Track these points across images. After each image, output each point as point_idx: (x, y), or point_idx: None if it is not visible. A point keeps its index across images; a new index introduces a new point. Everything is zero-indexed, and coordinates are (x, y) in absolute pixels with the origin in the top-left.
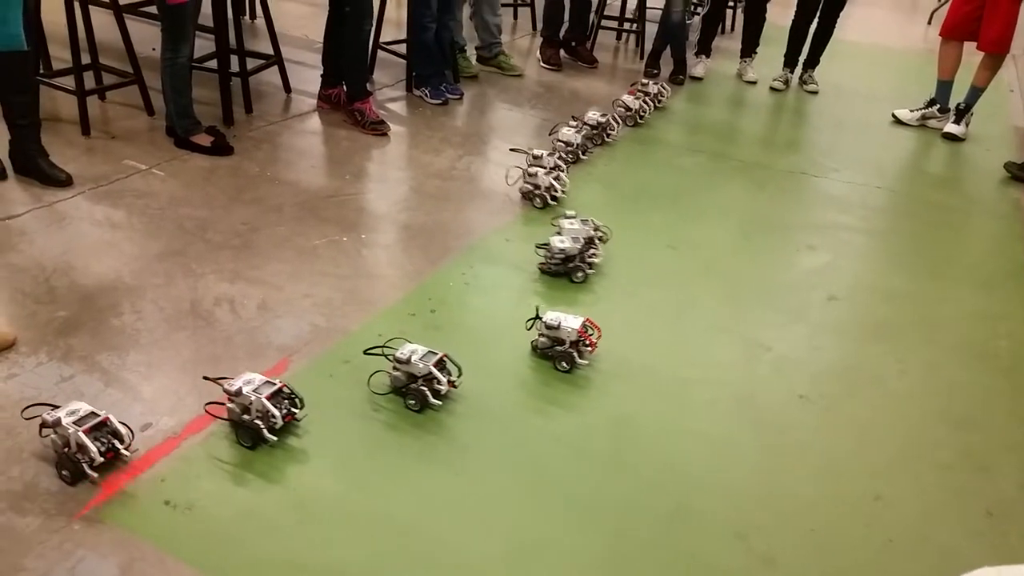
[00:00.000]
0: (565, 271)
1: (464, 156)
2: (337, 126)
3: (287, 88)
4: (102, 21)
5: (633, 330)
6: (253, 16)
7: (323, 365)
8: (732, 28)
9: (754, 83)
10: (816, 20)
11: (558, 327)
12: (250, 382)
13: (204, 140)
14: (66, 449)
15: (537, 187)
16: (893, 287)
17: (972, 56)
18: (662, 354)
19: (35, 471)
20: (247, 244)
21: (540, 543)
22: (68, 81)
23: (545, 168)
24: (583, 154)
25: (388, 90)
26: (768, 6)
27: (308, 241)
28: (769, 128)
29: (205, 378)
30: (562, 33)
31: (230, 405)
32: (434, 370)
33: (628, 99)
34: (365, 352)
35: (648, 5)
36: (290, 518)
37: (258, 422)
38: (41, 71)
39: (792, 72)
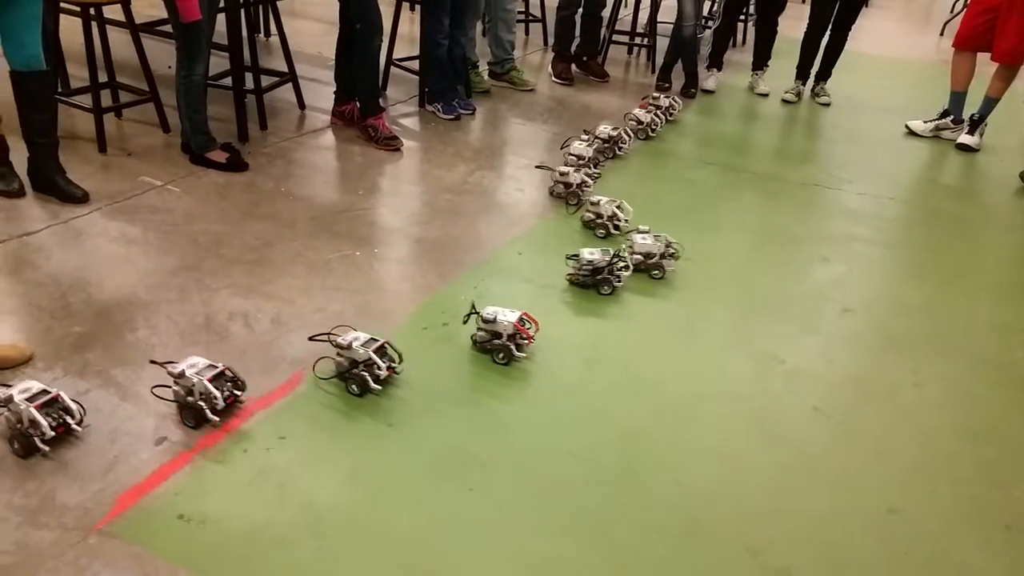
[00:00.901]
0: (593, 283)
1: (476, 170)
2: (351, 142)
3: (301, 105)
4: (119, 40)
5: (645, 343)
6: (268, 34)
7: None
8: (744, 41)
9: (766, 95)
10: (828, 32)
11: (494, 320)
12: (194, 365)
13: (219, 156)
14: (19, 425)
15: (569, 185)
16: (908, 299)
17: (986, 67)
18: (674, 367)
19: (52, 486)
20: (261, 259)
21: (551, 560)
22: (85, 99)
23: (575, 165)
24: (595, 167)
25: (401, 106)
26: (779, 19)
27: (321, 256)
28: (781, 140)
29: (152, 362)
30: (573, 48)
31: (175, 387)
32: (374, 355)
33: (640, 113)
34: (309, 339)
35: (659, 19)
36: (303, 533)
37: (201, 403)
38: (59, 90)
39: (804, 84)
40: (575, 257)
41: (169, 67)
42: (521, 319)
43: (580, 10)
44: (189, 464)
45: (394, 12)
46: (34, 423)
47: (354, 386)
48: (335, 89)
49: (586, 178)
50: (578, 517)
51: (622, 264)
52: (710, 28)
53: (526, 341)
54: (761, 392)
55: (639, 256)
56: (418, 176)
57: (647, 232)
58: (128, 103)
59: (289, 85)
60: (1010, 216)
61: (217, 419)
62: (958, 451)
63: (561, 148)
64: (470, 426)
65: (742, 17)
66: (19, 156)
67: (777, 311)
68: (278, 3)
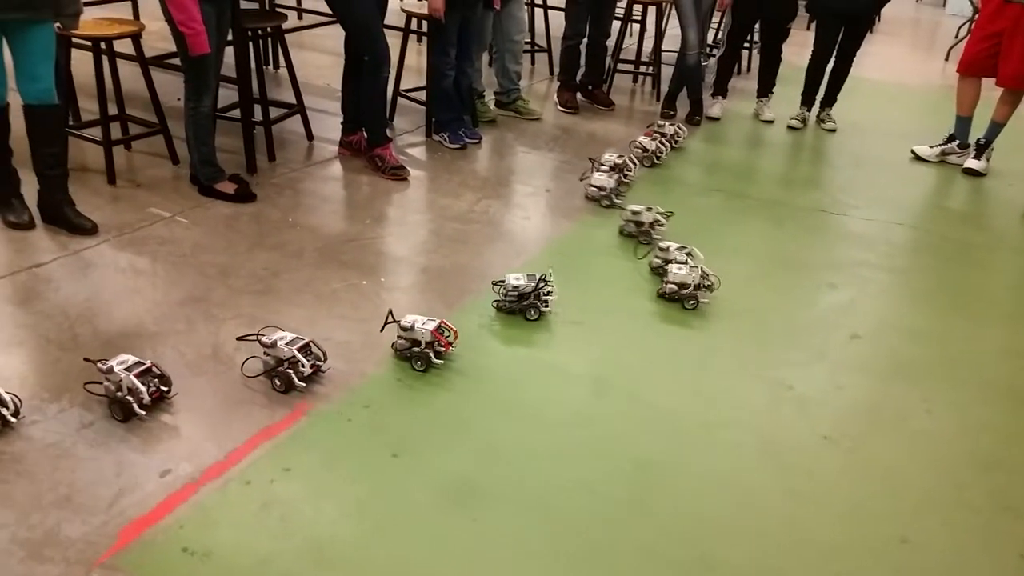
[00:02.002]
0: (520, 308)
1: (482, 199)
2: (358, 172)
3: (309, 136)
4: (129, 73)
5: (653, 371)
6: (276, 66)
7: (342, 409)
8: (748, 69)
9: (771, 122)
10: (833, 59)
11: (412, 328)
12: (123, 362)
13: (227, 187)
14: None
15: (640, 224)
16: (917, 325)
17: (991, 91)
18: (683, 395)
19: (56, 519)
20: (268, 289)
21: None
22: (95, 132)
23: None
24: (616, 197)
25: (408, 136)
26: (784, 46)
27: (328, 285)
28: (787, 166)
29: (85, 359)
30: (579, 77)
31: (105, 383)
32: (298, 354)
33: (645, 140)
34: (238, 339)
35: (663, 48)
36: (308, 566)
37: (129, 398)
38: (70, 123)
39: (809, 111)
40: (501, 283)
41: (179, 99)
42: (439, 327)
43: (585, 40)
44: (194, 496)
45: (401, 44)
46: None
47: (278, 381)
48: (342, 120)
49: (659, 216)
50: (587, 549)
51: (548, 288)
52: (714, 56)
53: (444, 349)
54: (771, 420)
55: (673, 286)
56: (425, 205)
57: (684, 262)
58: (137, 135)
59: (297, 116)
60: (1018, 240)
61: (143, 413)
62: (970, 479)
63: (580, 179)
64: (476, 456)
65: (746, 45)
66: (29, 188)
67: (785, 338)
68: (286, 36)
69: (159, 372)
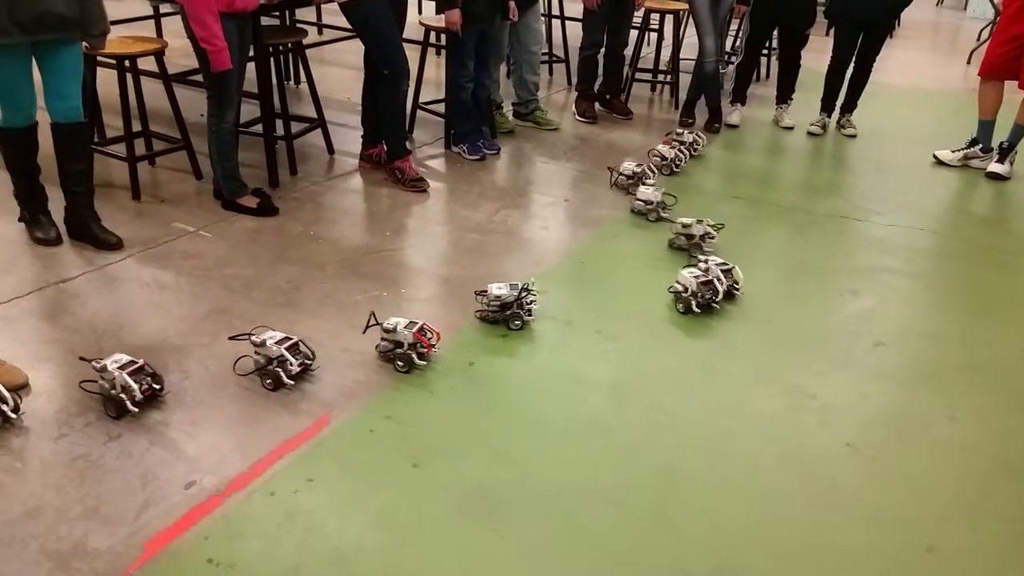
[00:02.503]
0: (503, 318)
1: (501, 209)
2: (378, 184)
3: (330, 149)
4: (152, 89)
5: (673, 379)
6: (297, 81)
7: (364, 420)
8: (767, 75)
9: (791, 129)
10: (852, 65)
11: (394, 330)
12: (116, 361)
13: (250, 202)
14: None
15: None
16: (940, 331)
17: (1014, 94)
18: (704, 403)
19: (83, 531)
20: (290, 302)
21: None
22: (120, 148)
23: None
24: (663, 211)
25: (427, 148)
26: (803, 52)
27: (349, 297)
28: (808, 173)
29: (81, 358)
30: (596, 86)
31: (100, 381)
32: (286, 352)
33: (663, 148)
34: (230, 338)
35: (681, 56)
36: None
37: (122, 396)
38: (95, 140)
39: (829, 117)
40: (483, 293)
41: (202, 115)
42: (421, 329)
43: (602, 50)
44: (218, 507)
45: (420, 57)
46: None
47: (268, 380)
48: (362, 133)
49: (709, 228)
50: (607, 559)
51: (531, 298)
52: (732, 64)
53: (426, 350)
54: (793, 428)
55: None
56: (444, 216)
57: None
58: (161, 151)
59: (318, 131)
60: None
61: (136, 410)
62: (996, 486)
63: (613, 184)
64: (496, 466)
65: (765, 52)
66: (56, 205)
67: (807, 345)
68: (307, 51)
69: (151, 371)
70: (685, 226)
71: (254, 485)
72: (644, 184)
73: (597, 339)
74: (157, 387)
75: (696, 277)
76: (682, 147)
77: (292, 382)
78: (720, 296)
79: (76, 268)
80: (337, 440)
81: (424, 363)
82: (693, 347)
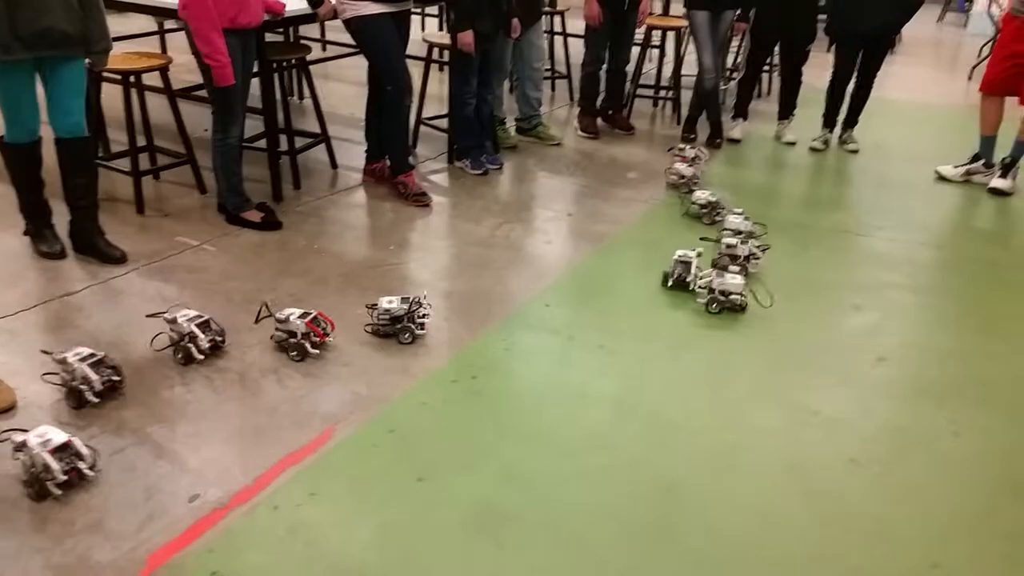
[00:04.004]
0: (393, 332)
1: (504, 224)
2: (382, 199)
3: (334, 164)
4: (157, 105)
5: (676, 394)
6: (301, 97)
7: (367, 434)
8: (768, 91)
9: (793, 144)
10: (854, 80)
11: (287, 320)
12: (77, 353)
13: (254, 216)
14: (32, 469)
15: (683, 177)
16: (944, 346)
17: (1015, 110)
18: (707, 418)
19: (87, 544)
20: None
21: None
22: (124, 163)
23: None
24: (717, 215)
25: (431, 162)
26: (804, 68)
27: (352, 311)
28: (810, 188)
29: (43, 351)
30: (599, 102)
31: (62, 373)
32: (196, 329)
33: (680, 167)
34: (147, 316)
35: (683, 72)
36: None
37: (82, 387)
38: (100, 154)
39: (831, 132)
40: (374, 307)
41: (205, 130)
42: (315, 319)
43: (605, 66)
44: (222, 521)
45: (423, 73)
46: (47, 467)
47: (180, 355)
48: (366, 148)
49: (755, 250)
50: (612, 574)
51: (424, 311)
52: (733, 79)
53: (319, 339)
54: (796, 443)
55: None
56: (447, 231)
57: (737, 271)
58: (165, 166)
59: (322, 145)
60: None
61: (96, 400)
62: (1001, 502)
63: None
64: (501, 480)
65: (766, 68)
66: (61, 219)
67: (810, 360)
68: (310, 67)
69: (112, 363)
70: (730, 246)
71: (257, 499)
72: (733, 214)
73: (600, 353)
74: (117, 379)
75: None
76: (688, 163)
77: (202, 357)
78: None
79: (80, 282)
80: (340, 454)
81: (317, 352)
82: (696, 362)
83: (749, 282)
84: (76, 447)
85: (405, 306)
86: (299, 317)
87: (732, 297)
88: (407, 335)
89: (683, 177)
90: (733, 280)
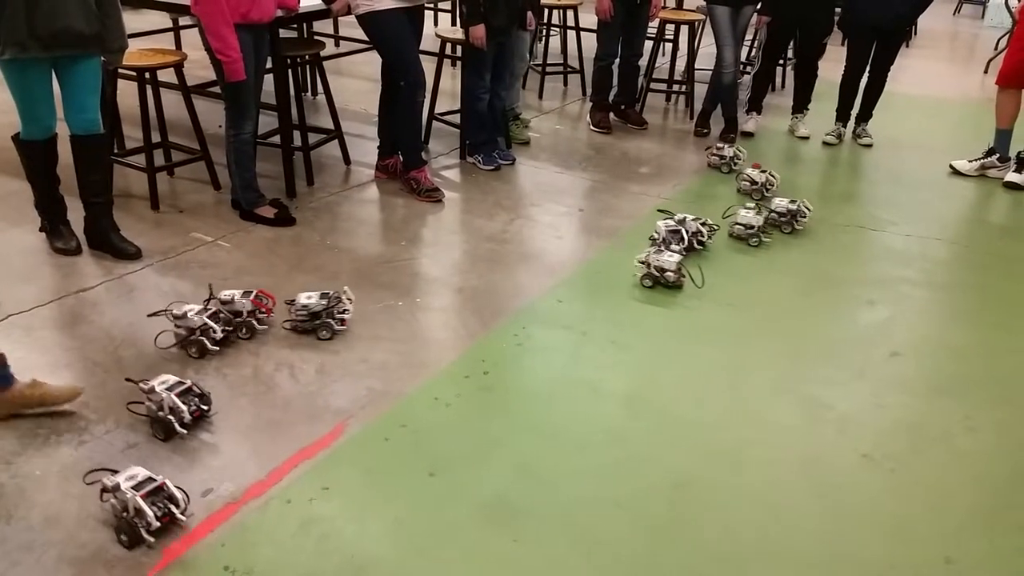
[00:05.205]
0: (311, 328)
1: (516, 219)
2: (394, 194)
3: (347, 160)
4: (171, 101)
5: (689, 389)
6: (315, 93)
7: (379, 428)
8: (783, 85)
9: (807, 139)
10: (867, 74)
11: (232, 301)
12: (164, 382)
13: (268, 212)
14: (124, 514)
15: (723, 158)
16: (958, 342)
17: None
18: (720, 414)
19: (104, 538)
20: None
21: None
22: (139, 159)
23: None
24: (764, 237)
25: (443, 158)
26: (819, 62)
27: (364, 306)
28: (824, 182)
29: (127, 379)
30: (611, 97)
31: (147, 403)
32: (209, 321)
33: (753, 172)
34: (148, 315)
35: (696, 66)
36: None
37: (170, 417)
38: (115, 151)
39: (845, 126)
40: (292, 302)
41: (219, 126)
42: (257, 295)
43: (617, 60)
44: (235, 515)
45: (436, 69)
46: (139, 512)
47: (193, 349)
48: (378, 144)
49: (702, 228)
50: (625, 569)
51: (344, 307)
52: (748, 73)
53: (265, 314)
54: (810, 439)
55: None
56: (459, 226)
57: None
58: (180, 162)
59: (335, 141)
60: None
61: (185, 431)
62: (1016, 498)
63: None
64: (512, 475)
65: (781, 61)
66: (76, 215)
67: (823, 355)
68: (324, 63)
69: (199, 391)
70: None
71: (270, 493)
72: (744, 208)
73: (612, 349)
74: (205, 408)
75: (668, 226)
76: (721, 162)
77: (217, 348)
78: (685, 244)
79: (95, 278)
80: (353, 448)
81: (265, 328)
82: (708, 357)
83: (687, 261)
84: (169, 490)
85: (324, 302)
86: (242, 296)
87: (667, 274)
88: (325, 332)
89: (755, 183)
90: (669, 257)
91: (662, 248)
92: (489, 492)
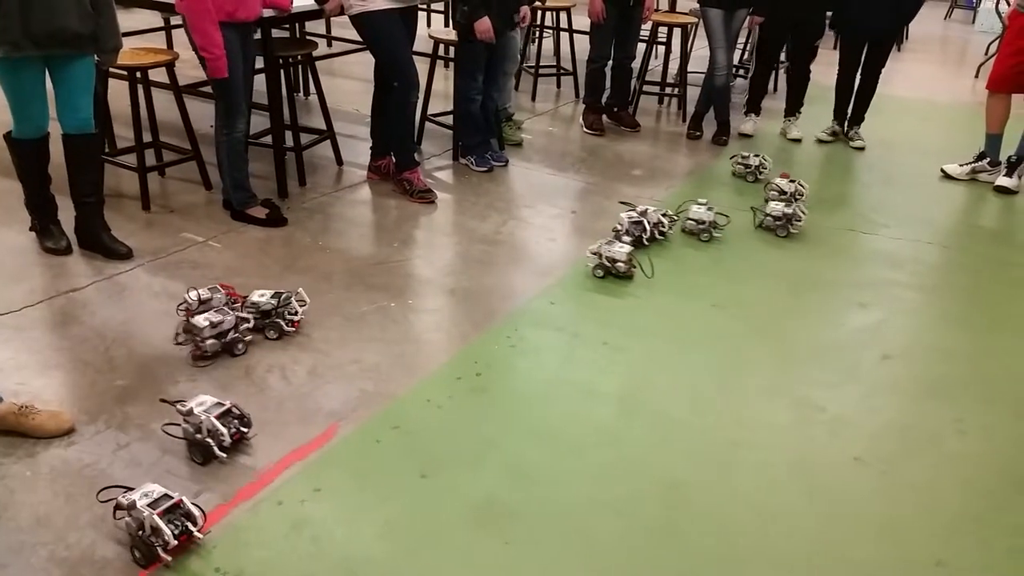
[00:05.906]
0: (262, 326)
1: (509, 220)
2: (386, 195)
3: (339, 161)
4: (163, 101)
5: (682, 392)
6: (307, 93)
7: (371, 430)
8: (775, 88)
9: (799, 141)
10: (859, 77)
11: (210, 300)
12: (202, 403)
13: (259, 212)
14: (140, 532)
15: (748, 167)
16: (949, 344)
17: (1022, 108)
18: (712, 417)
19: (92, 539)
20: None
21: None
22: (130, 159)
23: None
24: (716, 232)
25: (435, 159)
26: (812, 66)
27: (357, 308)
28: (816, 185)
29: (162, 400)
30: (604, 99)
31: (184, 425)
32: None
33: (782, 182)
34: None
35: (689, 69)
36: None
37: (208, 440)
38: (106, 150)
39: (841, 125)
40: (244, 299)
41: (211, 126)
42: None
43: (610, 62)
44: (226, 517)
45: (429, 70)
46: (156, 531)
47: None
48: (371, 145)
49: (663, 219)
50: (617, 571)
51: (296, 307)
52: (741, 76)
53: (237, 303)
54: (801, 441)
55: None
56: (452, 227)
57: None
58: (171, 162)
59: (327, 142)
60: None
61: (224, 455)
62: (1007, 501)
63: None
64: (505, 477)
65: (774, 65)
66: (67, 215)
67: (815, 358)
68: (316, 63)
69: (239, 412)
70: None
71: (261, 495)
72: (696, 204)
73: (604, 350)
74: (245, 430)
75: (630, 217)
76: (747, 171)
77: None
78: (648, 234)
79: (86, 278)
80: (344, 450)
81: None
82: (701, 359)
83: (637, 253)
84: (186, 507)
85: (275, 301)
86: (209, 289)
87: (617, 264)
88: (273, 332)
89: (784, 193)
90: (620, 248)
91: (613, 240)
92: (481, 494)
